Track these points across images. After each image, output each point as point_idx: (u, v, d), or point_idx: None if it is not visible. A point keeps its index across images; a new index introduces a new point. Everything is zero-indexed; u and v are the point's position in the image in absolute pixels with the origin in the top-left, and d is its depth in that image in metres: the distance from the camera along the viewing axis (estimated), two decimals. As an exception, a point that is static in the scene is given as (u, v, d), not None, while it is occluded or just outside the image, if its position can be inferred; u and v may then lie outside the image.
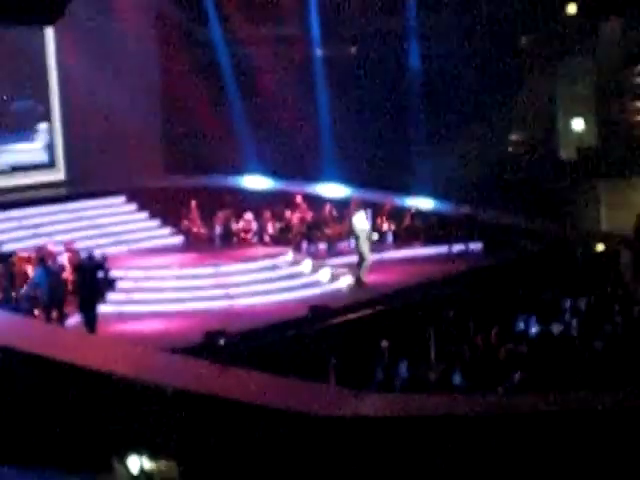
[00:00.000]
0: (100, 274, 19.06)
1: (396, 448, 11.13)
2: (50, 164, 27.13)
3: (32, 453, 12.83)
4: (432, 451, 11.05)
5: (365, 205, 25.24)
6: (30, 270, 19.35)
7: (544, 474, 10.58)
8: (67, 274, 19.08)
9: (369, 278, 22.08)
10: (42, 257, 18.93)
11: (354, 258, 23.20)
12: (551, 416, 11.30)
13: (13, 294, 18.98)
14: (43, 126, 27.12)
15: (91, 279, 18.72)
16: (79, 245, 20.17)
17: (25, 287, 18.85)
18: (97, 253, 19.82)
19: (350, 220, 24.42)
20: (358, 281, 21.90)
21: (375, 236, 23.08)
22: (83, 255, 19.21)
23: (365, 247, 22.09)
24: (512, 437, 10.96)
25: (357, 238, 22.24)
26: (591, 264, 23.24)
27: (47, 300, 18.43)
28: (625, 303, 19.99)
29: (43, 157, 27.11)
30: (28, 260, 19.81)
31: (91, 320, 18.38)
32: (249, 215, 25.29)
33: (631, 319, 18.80)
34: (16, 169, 26.35)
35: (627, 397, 12.08)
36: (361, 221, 22.32)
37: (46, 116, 27.10)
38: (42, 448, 12.90)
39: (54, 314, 18.40)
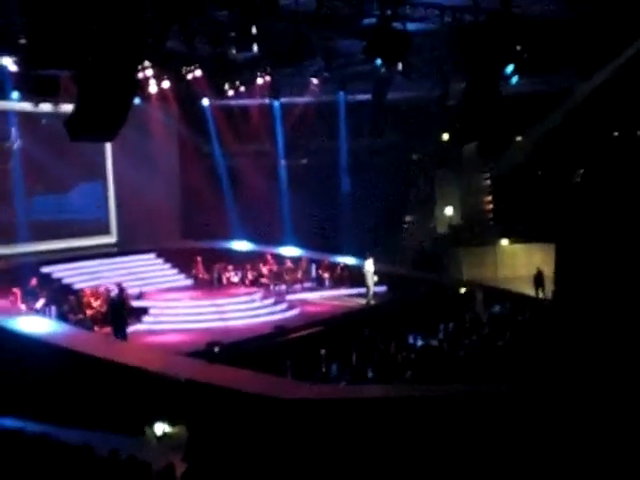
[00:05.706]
0: (136, 305, 19.14)
1: (332, 422, 11.35)
2: (106, 231, 27.02)
3: (89, 421, 12.86)
4: (356, 421, 11.28)
5: (312, 261, 25.60)
6: (93, 301, 19.42)
7: (427, 433, 10.84)
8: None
9: (316, 309, 22.16)
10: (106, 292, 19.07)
11: (305, 295, 23.37)
12: (430, 399, 11.69)
13: (81, 316, 19.04)
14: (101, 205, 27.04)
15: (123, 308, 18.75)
16: (126, 285, 20.06)
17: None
18: (136, 290, 19.89)
19: (304, 271, 24.78)
20: (367, 303, 22.21)
21: (375, 277, 22.71)
22: (125, 291, 19.25)
23: (370, 281, 22.33)
24: (406, 410, 11.27)
25: (365, 275, 22.43)
26: (456, 301, 23.14)
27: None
28: (477, 326, 20.17)
29: (102, 225, 26.96)
30: (91, 295, 19.89)
31: (124, 334, 18.39)
32: (236, 267, 25.24)
33: (481, 337, 19.06)
34: (85, 234, 26.09)
35: (480, 388, 12.53)
36: (369, 265, 22.49)
37: (105, 199, 27.06)
38: (96, 418, 12.97)
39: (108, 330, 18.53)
